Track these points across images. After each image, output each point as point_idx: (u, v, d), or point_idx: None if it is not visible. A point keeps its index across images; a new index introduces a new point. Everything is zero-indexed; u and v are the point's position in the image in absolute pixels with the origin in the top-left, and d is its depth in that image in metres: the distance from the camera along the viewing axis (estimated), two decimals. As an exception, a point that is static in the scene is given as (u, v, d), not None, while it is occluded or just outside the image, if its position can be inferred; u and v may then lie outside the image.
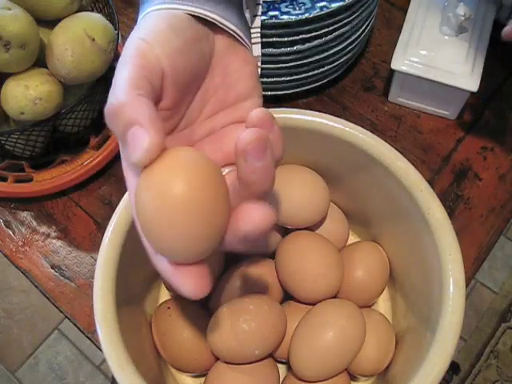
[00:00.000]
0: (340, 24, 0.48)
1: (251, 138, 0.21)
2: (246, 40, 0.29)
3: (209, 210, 0.21)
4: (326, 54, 0.51)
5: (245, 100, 0.29)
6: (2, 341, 1.19)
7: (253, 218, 0.22)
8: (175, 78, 0.25)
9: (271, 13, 0.46)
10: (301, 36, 0.48)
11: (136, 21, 0.27)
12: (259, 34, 0.38)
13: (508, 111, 0.56)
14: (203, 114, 0.29)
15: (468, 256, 0.48)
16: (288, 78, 0.52)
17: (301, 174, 0.42)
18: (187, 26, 0.26)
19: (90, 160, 0.51)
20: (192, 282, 0.22)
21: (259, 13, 0.37)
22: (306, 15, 0.46)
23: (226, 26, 0.28)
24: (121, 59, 0.25)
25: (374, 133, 0.38)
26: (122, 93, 0.22)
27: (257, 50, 0.38)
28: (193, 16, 0.27)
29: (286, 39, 0.48)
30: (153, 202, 0.21)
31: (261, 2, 0.37)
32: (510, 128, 0.55)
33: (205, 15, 0.27)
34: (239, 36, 0.28)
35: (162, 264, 0.23)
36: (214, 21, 0.27)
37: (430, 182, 0.47)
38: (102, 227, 0.51)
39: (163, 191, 0.21)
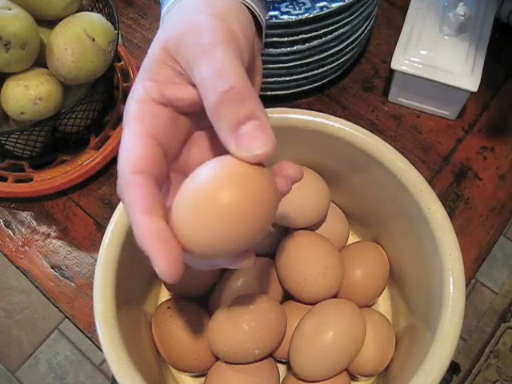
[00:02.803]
0: (340, 24, 0.48)
1: None
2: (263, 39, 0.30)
3: (251, 219, 0.23)
4: (326, 54, 0.51)
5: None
6: (2, 341, 1.19)
7: None
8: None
9: (271, 13, 0.46)
10: (301, 36, 0.48)
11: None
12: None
13: (508, 111, 0.56)
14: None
15: (468, 256, 0.48)
16: (288, 78, 0.52)
17: (301, 173, 0.42)
18: (239, 9, 0.27)
19: (89, 160, 0.51)
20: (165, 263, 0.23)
21: (267, 16, 0.38)
22: (306, 15, 0.46)
23: (262, 20, 0.28)
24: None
25: (374, 133, 0.38)
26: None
27: None
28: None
29: (285, 39, 0.48)
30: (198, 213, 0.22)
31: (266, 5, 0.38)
32: (510, 128, 0.55)
33: (250, 5, 0.27)
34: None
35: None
36: (256, 12, 0.28)
37: (430, 182, 0.47)
38: (102, 227, 0.51)
39: (210, 201, 0.22)
